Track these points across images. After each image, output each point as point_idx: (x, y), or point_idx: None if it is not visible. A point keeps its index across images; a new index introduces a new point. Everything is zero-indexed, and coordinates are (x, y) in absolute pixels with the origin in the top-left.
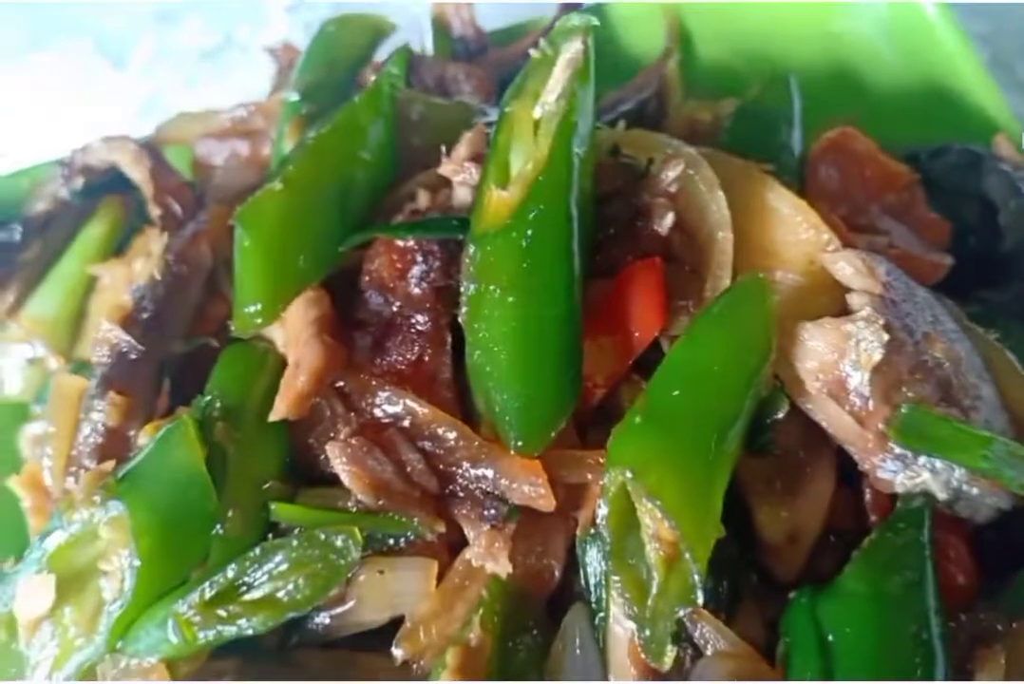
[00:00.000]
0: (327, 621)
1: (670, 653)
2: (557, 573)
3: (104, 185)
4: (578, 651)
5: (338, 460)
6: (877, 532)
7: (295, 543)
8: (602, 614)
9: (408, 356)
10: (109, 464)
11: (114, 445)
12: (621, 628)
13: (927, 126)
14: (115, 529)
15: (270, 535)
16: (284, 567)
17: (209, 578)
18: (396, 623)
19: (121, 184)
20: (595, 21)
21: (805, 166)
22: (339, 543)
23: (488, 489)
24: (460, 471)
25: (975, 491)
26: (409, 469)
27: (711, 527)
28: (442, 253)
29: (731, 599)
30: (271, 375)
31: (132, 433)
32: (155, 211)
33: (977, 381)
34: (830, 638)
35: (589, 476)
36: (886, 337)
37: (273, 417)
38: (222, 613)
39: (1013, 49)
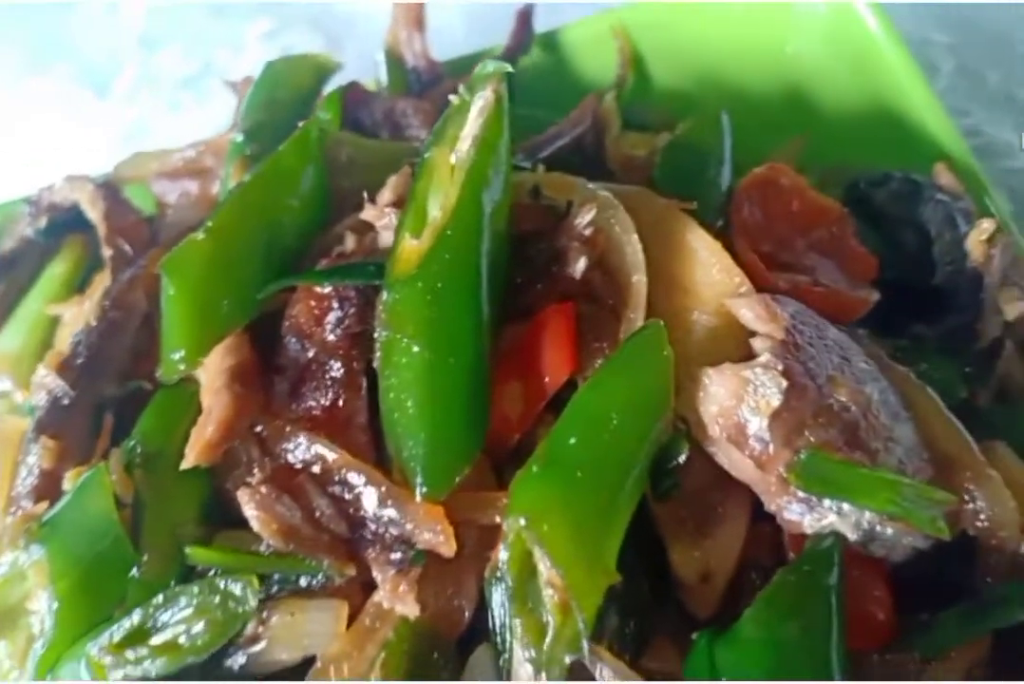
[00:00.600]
0: (243, 660)
1: None
2: (468, 613)
3: (68, 223)
4: None
5: (247, 506)
6: (780, 574)
7: (196, 590)
8: (506, 655)
9: (323, 401)
10: (40, 506)
11: (48, 487)
12: (523, 671)
13: (876, 149)
14: (37, 572)
15: (189, 576)
16: (188, 612)
17: (118, 621)
18: (311, 662)
19: (84, 223)
20: (509, 68)
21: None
22: (238, 591)
23: (395, 533)
24: (369, 515)
25: (889, 531)
26: (318, 514)
27: (601, 576)
28: (358, 299)
29: (639, 639)
30: (194, 420)
31: (66, 475)
32: (107, 252)
33: (890, 422)
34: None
35: (497, 519)
36: (784, 383)
37: (184, 466)
38: (130, 655)
39: (982, 58)
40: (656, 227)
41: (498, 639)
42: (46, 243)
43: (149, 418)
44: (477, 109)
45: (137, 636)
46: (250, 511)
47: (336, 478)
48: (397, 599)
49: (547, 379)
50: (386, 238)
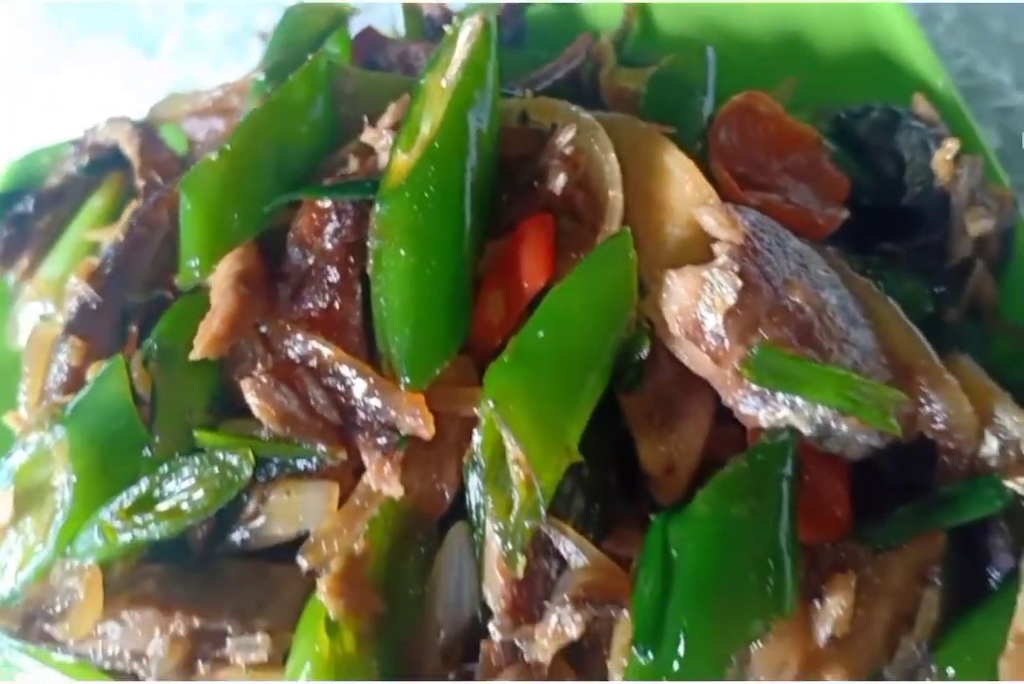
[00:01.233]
0: (244, 535)
1: (521, 562)
2: (448, 496)
3: (109, 161)
4: (456, 564)
5: (249, 394)
6: (734, 461)
7: (197, 461)
8: (480, 531)
9: (320, 304)
10: (68, 397)
11: (75, 382)
12: (494, 543)
13: (867, 89)
14: (59, 451)
15: None
16: (190, 481)
17: (127, 490)
18: (305, 538)
19: (123, 161)
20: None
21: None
22: (235, 462)
23: (382, 420)
24: (359, 405)
25: (844, 428)
26: (313, 403)
27: (561, 453)
28: (355, 212)
29: (603, 522)
30: None
31: (89, 369)
32: (140, 183)
33: (847, 326)
34: (674, 554)
35: (476, 411)
36: (740, 282)
37: (192, 357)
38: (138, 520)
39: (987, 8)
40: (636, 149)
41: (473, 517)
42: (88, 179)
43: (166, 320)
44: (465, 35)
45: (144, 503)
46: (251, 398)
47: (330, 371)
48: (383, 480)
49: (526, 285)
50: (385, 159)
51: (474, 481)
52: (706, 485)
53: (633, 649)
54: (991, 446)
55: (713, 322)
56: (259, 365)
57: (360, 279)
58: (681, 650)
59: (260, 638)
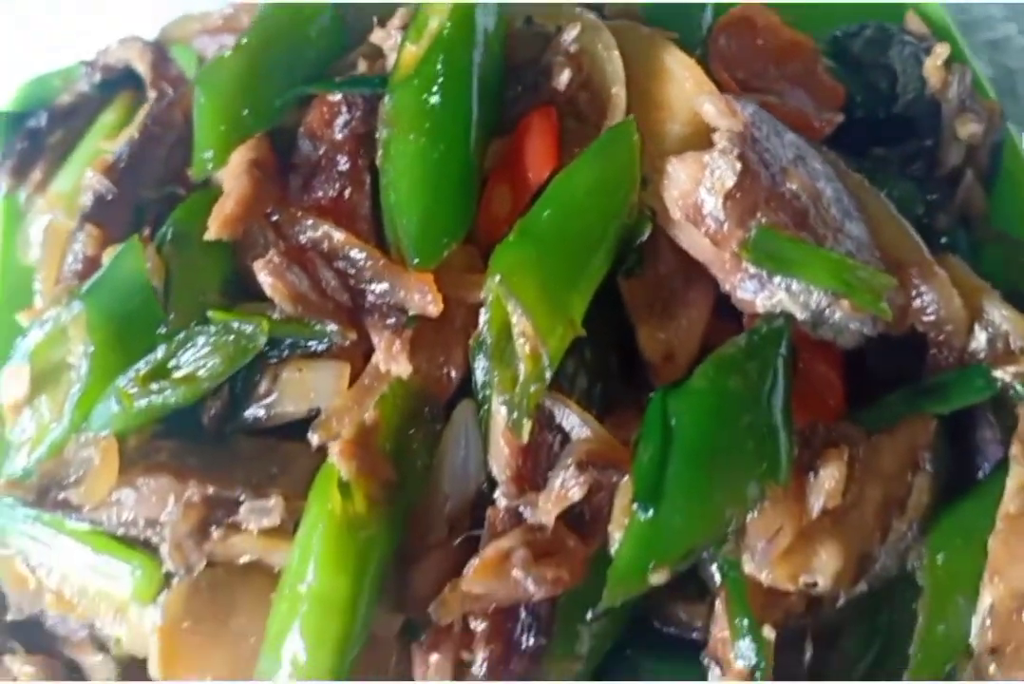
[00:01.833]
0: (256, 412)
1: (527, 426)
2: (455, 378)
3: (120, 81)
4: (463, 437)
5: (262, 273)
6: (730, 342)
7: (212, 330)
8: (486, 406)
9: (331, 193)
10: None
11: (90, 271)
12: (499, 416)
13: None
14: (76, 326)
15: None
16: (205, 350)
17: (144, 358)
18: (314, 417)
19: (134, 81)
20: None
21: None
22: (249, 330)
23: (391, 302)
24: (368, 287)
25: (837, 315)
26: (324, 285)
27: (565, 324)
28: (364, 105)
29: (603, 401)
30: None
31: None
32: (152, 94)
33: (841, 217)
34: (672, 424)
35: (482, 296)
36: (739, 166)
37: (207, 237)
38: (154, 387)
39: None
40: (638, 51)
41: (479, 395)
42: (100, 97)
43: (181, 209)
44: None
45: (160, 371)
46: (264, 278)
47: (340, 255)
48: (392, 359)
49: (531, 176)
50: (392, 61)
51: (480, 362)
52: (704, 362)
53: (634, 507)
54: (980, 340)
55: (713, 205)
56: (271, 250)
57: (369, 171)
58: (680, 507)
59: (273, 502)
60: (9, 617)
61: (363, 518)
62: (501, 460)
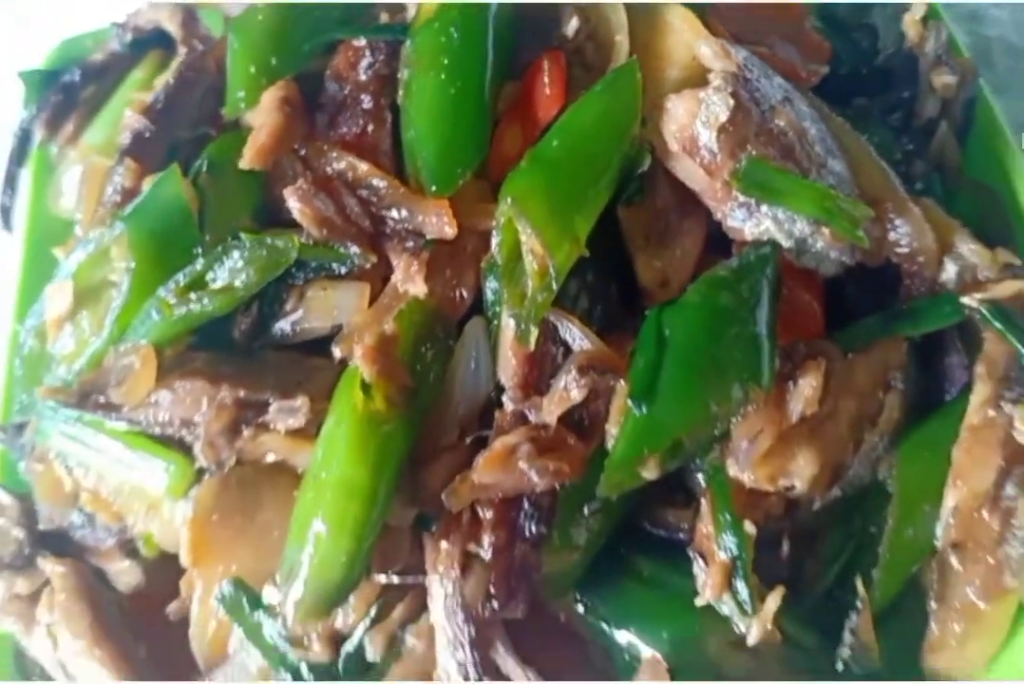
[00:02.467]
0: (283, 327)
1: (534, 333)
2: (467, 299)
3: (149, 41)
4: (473, 350)
5: (291, 199)
6: (720, 265)
7: (248, 244)
8: (495, 322)
9: (355, 129)
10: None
11: (129, 200)
12: (508, 330)
13: None
14: (118, 244)
15: None
16: (239, 263)
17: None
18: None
19: (163, 42)
20: None
21: None
22: (281, 245)
23: (410, 227)
24: (389, 214)
25: (819, 244)
26: (348, 210)
27: (570, 242)
28: (387, 49)
29: (603, 321)
30: None
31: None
32: (182, 50)
33: (824, 155)
34: (667, 334)
35: (493, 223)
36: (732, 102)
37: (241, 166)
38: (192, 297)
39: None
40: (641, 6)
41: (489, 313)
42: (131, 56)
43: (215, 144)
44: None
45: (198, 282)
46: (293, 203)
47: (363, 184)
48: (409, 279)
49: (540, 113)
50: (412, 13)
51: (491, 283)
52: (697, 281)
53: (629, 404)
54: (949, 271)
55: (707, 137)
56: (300, 179)
57: (390, 110)
58: (671, 404)
59: (300, 402)
60: (40, 526)
61: (383, 415)
62: (508, 369)
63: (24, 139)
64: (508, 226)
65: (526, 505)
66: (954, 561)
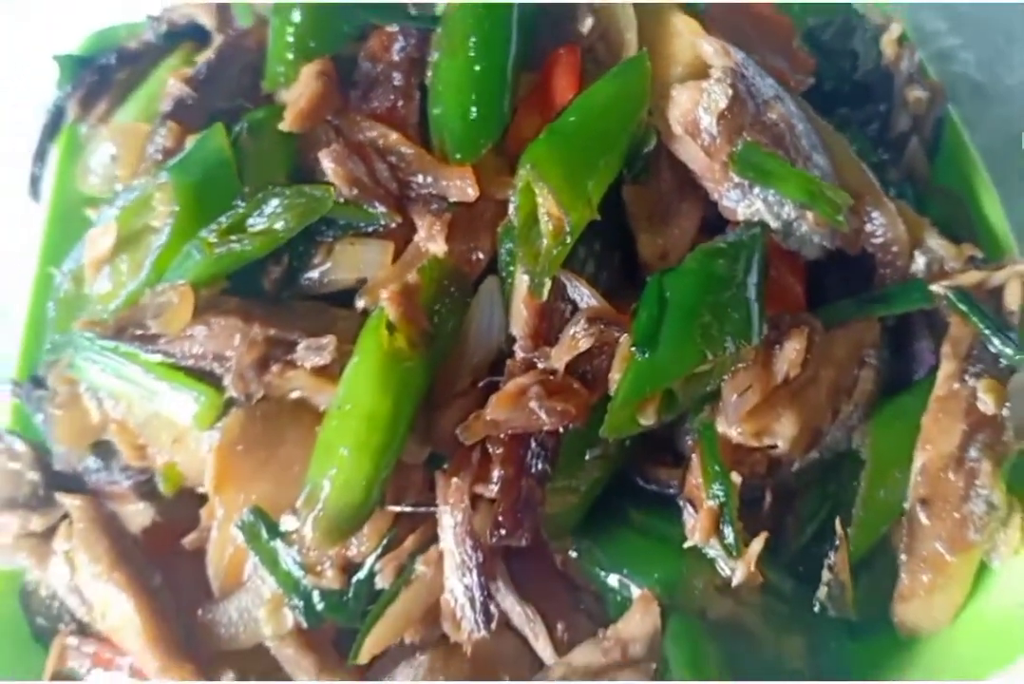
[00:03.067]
0: (312, 276)
1: (547, 286)
2: (483, 259)
3: (183, 34)
4: (488, 304)
5: (325, 160)
6: (715, 239)
7: (287, 192)
8: (509, 280)
9: (386, 103)
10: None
11: (169, 159)
12: (522, 285)
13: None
14: (162, 190)
15: None
16: (279, 209)
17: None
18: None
19: (196, 34)
20: None
21: None
22: (318, 193)
23: (434, 192)
24: (415, 179)
25: (804, 228)
26: (377, 173)
27: (583, 204)
28: (418, 35)
29: (609, 286)
30: None
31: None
32: (217, 37)
33: (811, 149)
34: (667, 295)
35: (510, 192)
36: (730, 92)
37: (282, 127)
38: (233, 238)
39: None
40: (649, 12)
41: (503, 274)
42: (164, 46)
43: (253, 112)
44: None
45: (239, 226)
46: (328, 164)
47: (392, 151)
48: (431, 238)
49: (556, 98)
50: (441, 7)
51: (506, 245)
52: (694, 251)
53: (633, 350)
54: (919, 263)
55: (708, 122)
56: (333, 144)
57: (419, 89)
58: (670, 350)
59: (327, 340)
60: (56, 467)
61: (405, 352)
62: (520, 321)
63: (57, 115)
64: (526, 191)
65: (533, 445)
66: (922, 516)
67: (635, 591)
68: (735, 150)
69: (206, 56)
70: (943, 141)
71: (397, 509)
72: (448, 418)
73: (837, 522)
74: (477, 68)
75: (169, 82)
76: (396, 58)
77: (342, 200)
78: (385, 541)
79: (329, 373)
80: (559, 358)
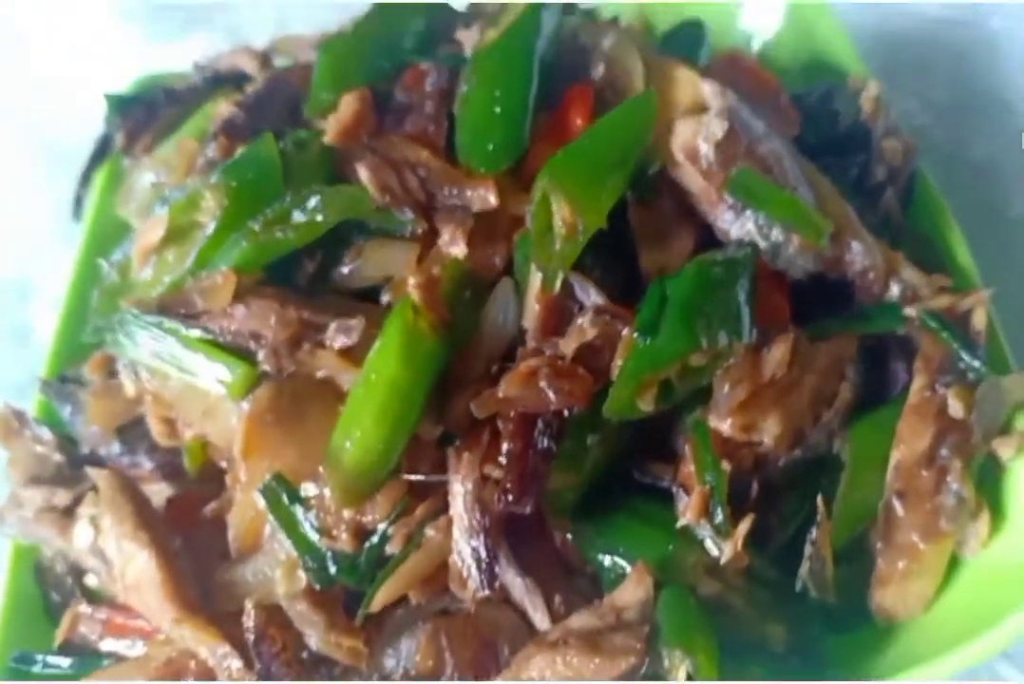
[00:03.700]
0: (345, 271)
1: (560, 278)
2: (499, 264)
3: (226, 80)
4: (503, 300)
5: (362, 168)
6: (710, 252)
7: (329, 191)
8: (524, 281)
9: (417, 128)
10: None
11: None
12: (536, 283)
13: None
14: (213, 188)
15: None
16: (319, 205)
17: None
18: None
19: (238, 80)
20: None
21: None
22: (356, 192)
23: (458, 203)
24: (441, 191)
25: (790, 250)
26: (407, 184)
27: (594, 212)
28: (449, 72)
29: (613, 293)
30: None
31: None
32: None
33: (796, 183)
34: (668, 293)
35: (524, 208)
36: (727, 124)
37: (325, 140)
38: (277, 227)
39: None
40: (653, 63)
41: (518, 277)
42: (208, 90)
43: (296, 132)
44: None
45: (283, 218)
46: (363, 172)
47: (422, 164)
48: (453, 242)
49: (569, 131)
50: (469, 49)
51: (522, 253)
52: (692, 261)
53: (635, 337)
54: (894, 291)
55: (706, 149)
56: (368, 157)
57: (447, 118)
58: (670, 338)
59: (356, 321)
60: (84, 449)
61: (425, 334)
62: (532, 315)
63: (104, 143)
64: (542, 201)
65: (540, 424)
66: (898, 507)
67: (629, 570)
68: (730, 175)
69: (254, 86)
70: (915, 193)
71: (411, 478)
72: (462, 400)
73: (819, 499)
74: (501, 98)
75: (219, 106)
76: (428, 89)
77: (375, 207)
78: (397, 509)
79: (354, 356)
80: (568, 345)
